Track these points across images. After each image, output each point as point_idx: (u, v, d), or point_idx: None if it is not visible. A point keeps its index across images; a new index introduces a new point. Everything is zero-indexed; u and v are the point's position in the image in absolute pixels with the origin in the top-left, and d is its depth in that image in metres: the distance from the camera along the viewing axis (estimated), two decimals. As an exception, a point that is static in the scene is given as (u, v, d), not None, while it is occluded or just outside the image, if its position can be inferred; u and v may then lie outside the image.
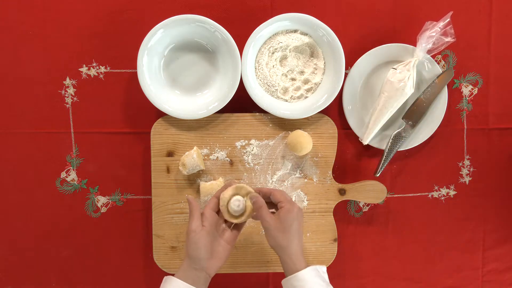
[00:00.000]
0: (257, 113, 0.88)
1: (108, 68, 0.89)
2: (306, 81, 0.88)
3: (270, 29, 0.84)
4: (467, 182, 0.95)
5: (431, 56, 0.88)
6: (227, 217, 0.74)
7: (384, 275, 0.96)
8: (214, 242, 0.72)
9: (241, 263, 0.90)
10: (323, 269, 0.75)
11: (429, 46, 0.84)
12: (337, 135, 0.89)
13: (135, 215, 0.92)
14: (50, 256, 0.92)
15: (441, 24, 0.83)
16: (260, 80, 0.87)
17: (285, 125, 0.89)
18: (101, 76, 0.89)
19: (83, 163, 0.90)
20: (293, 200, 0.90)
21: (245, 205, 0.74)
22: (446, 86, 0.88)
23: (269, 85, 0.87)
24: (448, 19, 0.82)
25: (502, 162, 0.94)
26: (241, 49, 0.83)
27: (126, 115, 0.90)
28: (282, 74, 0.88)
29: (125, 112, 0.90)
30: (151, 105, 0.85)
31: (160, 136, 0.88)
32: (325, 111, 0.88)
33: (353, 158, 0.93)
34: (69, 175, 0.90)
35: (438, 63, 0.90)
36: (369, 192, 0.89)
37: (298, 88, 0.88)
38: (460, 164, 0.94)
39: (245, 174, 0.89)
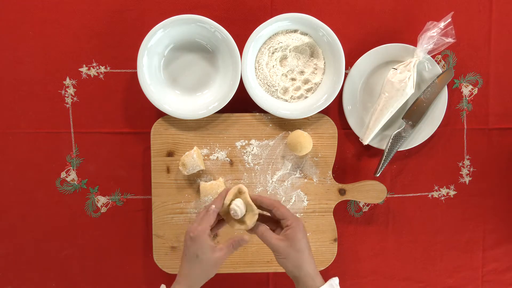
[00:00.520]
0: (257, 113, 0.88)
1: (108, 68, 0.89)
2: (306, 81, 0.88)
3: (270, 29, 0.84)
4: (467, 182, 0.95)
5: (431, 56, 0.88)
6: (234, 225, 0.74)
7: (384, 275, 0.96)
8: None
9: (241, 263, 0.90)
10: (336, 281, 0.74)
11: (430, 46, 0.84)
12: (337, 135, 0.89)
13: (135, 215, 0.92)
14: (50, 256, 0.92)
15: (442, 24, 0.83)
16: (260, 80, 0.87)
17: (285, 125, 0.89)
18: (101, 76, 0.89)
19: (83, 163, 0.90)
20: (293, 200, 0.90)
21: (245, 205, 0.74)
22: (446, 86, 0.89)
23: (269, 85, 0.87)
24: (449, 19, 0.82)
25: (502, 162, 0.94)
26: (241, 49, 0.83)
27: (126, 115, 0.90)
28: (282, 74, 0.88)
29: (125, 112, 0.90)
30: (151, 105, 0.85)
31: (160, 136, 0.88)
32: (325, 111, 0.88)
33: (353, 158, 0.93)
34: (69, 175, 0.90)
35: (438, 63, 0.90)
36: (369, 192, 0.89)
37: (298, 88, 0.88)
38: (460, 164, 0.94)
39: (245, 174, 0.89)
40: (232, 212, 0.73)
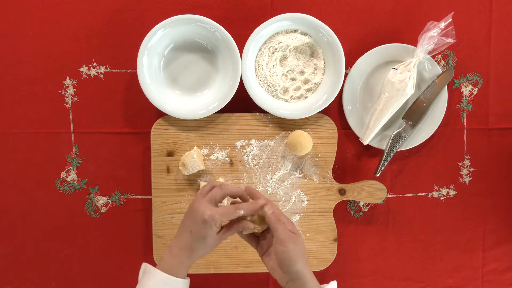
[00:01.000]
0: (257, 113, 0.88)
1: (108, 68, 0.89)
2: (306, 81, 0.88)
3: (270, 29, 0.84)
4: (467, 182, 0.95)
5: (431, 56, 0.88)
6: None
7: (384, 275, 0.96)
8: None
9: (241, 263, 0.90)
10: (334, 285, 0.72)
11: (431, 47, 0.84)
12: (337, 135, 0.89)
13: (135, 215, 0.92)
14: (50, 256, 0.92)
15: (443, 24, 0.83)
16: (260, 80, 0.87)
17: (285, 125, 0.89)
18: (101, 76, 0.89)
19: (83, 163, 0.90)
20: (293, 200, 0.90)
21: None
22: (446, 86, 0.89)
23: (269, 85, 0.87)
24: (450, 20, 0.82)
25: (502, 162, 0.94)
26: (241, 49, 0.83)
27: (126, 115, 0.90)
28: (282, 74, 0.88)
29: (125, 112, 0.90)
30: (151, 105, 0.85)
31: (160, 136, 0.88)
32: (325, 111, 0.88)
33: (353, 158, 0.93)
34: (69, 175, 0.90)
35: (438, 63, 0.90)
36: (369, 192, 0.89)
37: (298, 88, 0.88)
38: (460, 164, 0.94)
39: (245, 174, 0.89)
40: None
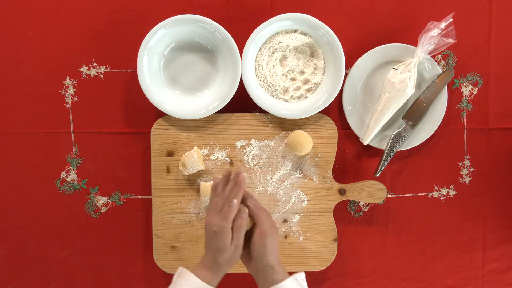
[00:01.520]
0: (257, 113, 0.88)
1: (108, 68, 0.89)
2: (306, 81, 0.88)
3: (270, 29, 0.84)
4: (467, 182, 0.95)
5: (431, 56, 0.88)
6: None
7: (384, 275, 0.96)
8: None
9: (241, 263, 0.89)
10: (302, 276, 0.73)
11: (431, 47, 0.84)
12: (337, 135, 0.89)
13: (135, 215, 0.92)
14: (50, 256, 0.92)
15: (443, 24, 0.83)
16: (260, 80, 0.87)
17: (285, 125, 0.89)
18: (101, 76, 0.89)
19: (83, 163, 0.90)
20: (293, 200, 0.90)
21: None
22: (446, 86, 0.89)
23: (269, 85, 0.87)
24: (450, 20, 0.82)
25: (502, 162, 0.94)
26: (241, 49, 0.83)
27: (126, 115, 0.90)
28: (282, 74, 0.88)
29: (125, 112, 0.90)
30: (151, 105, 0.85)
31: (160, 136, 0.88)
32: (325, 111, 0.88)
33: (353, 158, 0.93)
34: (69, 175, 0.90)
35: (438, 63, 0.90)
36: (369, 192, 0.89)
37: (298, 88, 0.88)
38: (460, 164, 0.94)
39: (245, 174, 0.89)
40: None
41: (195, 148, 0.86)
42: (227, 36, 0.82)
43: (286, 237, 0.90)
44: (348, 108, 0.89)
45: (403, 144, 0.89)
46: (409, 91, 0.85)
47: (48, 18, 0.87)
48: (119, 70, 0.89)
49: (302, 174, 0.89)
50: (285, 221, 0.90)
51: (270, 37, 0.86)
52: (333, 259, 0.91)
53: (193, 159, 0.84)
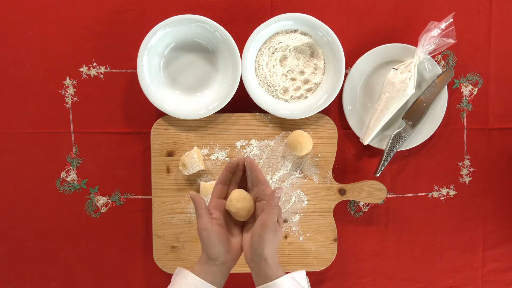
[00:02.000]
0: (257, 113, 0.88)
1: (108, 68, 0.89)
2: (306, 81, 0.88)
3: (270, 29, 0.84)
4: (467, 182, 0.95)
5: (431, 56, 0.88)
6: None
7: (384, 275, 0.96)
8: (229, 231, 0.70)
9: (241, 263, 0.89)
10: (301, 274, 0.71)
11: (431, 47, 0.84)
12: (337, 135, 0.89)
13: (135, 215, 0.92)
14: (50, 256, 0.92)
15: (443, 25, 0.83)
16: (260, 80, 0.87)
17: (285, 125, 0.89)
18: (101, 76, 0.89)
19: (83, 163, 0.90)
20: (293, 200, 0.90)
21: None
22: (446, 86, 0.89)
23: (269, 85, 0.87)
24: (451, 20, 0.82)
25: (502, 162, 0.94)
26: (241, 49, 0.83)
27: (126, 115, 0.90)
28: (282, 74, 0.88)
29: (125, 112, 0.90)
30: (151, 105, 0.85)
31: (160, 136, 0.88)
32: (325, 111, 0.88)
33: (353, 158, 0.93)
34: (69, 175, 0.91)
35: (438, 63, 0.90)
36: (369, 192, 0.89)
37: (298, 88, 0.88)
38: (460, 164, 0.94)
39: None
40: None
41: (195, 148, 0.86)
42: (227, 36, 0.82)
43: (286, 237, 0.90)
44: (348, 108, 0.89)
45: (403, 144, 0.89)
46: (410, 91, 0.85)
47: (48, 18, 0.87)
48: (119, 70, 0.89)
49: (302, 174, 0.89)
50: (285, 221, 0.90)
51: (270, 37, 0.86)
52: (333, 259, 0.91)
53: (193, 159, 0.84)
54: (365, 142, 0.89)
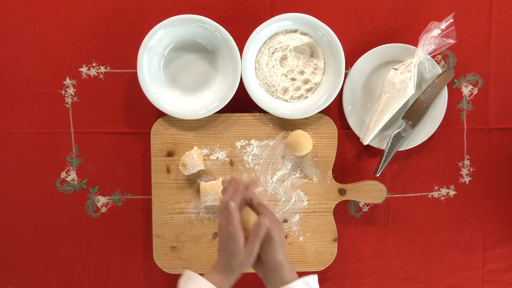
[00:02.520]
0: (257, 113, 0.88)
1: (108, 68, 0.89)
2: (306, 81, 0.88)
3: (270, 29, 0.84)
4: (467, 182, 0.95)
5: (431, 56, 0.88)
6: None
7: (384, 275, 0.96)
8: None
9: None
10: (313, 279, 0.73)
11: (432, 47, 0.84)
12: (337, 135, 0.89)
13: (135, 215, 0.92)
14: (50, 256, 0.92)
15: (444, 25, 0.83)
16: (260, 80, 0.87)
17: (285, 125, 0.89)
18: (101, 76, 0.89)
19: (83, 163, 0.90)
20: (293, 200, 0.90)
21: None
22: (446, 86, 0.89)
23: (269, 85, 0.87)
24: (451, 20, 0.82)
25: (502, 162, 0.94)
26: (241, 49, 0.83)
27: (126, 115, 0.90)
28: (282, 74, 0.88)
29: (125, 112, 0.90)
30: (151, 105, 0.85)
31: (160, 136, 0.88)
32: (325, 111, 0.88)
33: (353, 158, 0.93)
34: (69, 175, 0.90)
35: (438, 63, 0.90)
36: (369, 192, 0.89)
37: (298, 88, 0.88)
38: (460, 164, 0.94)
39: (245, 174, 0.89)
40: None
41: (195, 148, 0.86)
42: (227, 36, 0.82)
43: (286, 237, 0.90)
44: (348, 108, 0.89)
45: (403, 144, 0.89)
46: (410, 91, 0.85)
47: (48, 18, 0.87)
48: (119, 70, 0.89)
49: (302, 174, 0.89)
50: (285, 221, 0.90)
51: (270, 37, 0.86)
52: (333, 259, 0.91)
53: (193, 159, 0.84)
54: (365, 142, 0.89)
